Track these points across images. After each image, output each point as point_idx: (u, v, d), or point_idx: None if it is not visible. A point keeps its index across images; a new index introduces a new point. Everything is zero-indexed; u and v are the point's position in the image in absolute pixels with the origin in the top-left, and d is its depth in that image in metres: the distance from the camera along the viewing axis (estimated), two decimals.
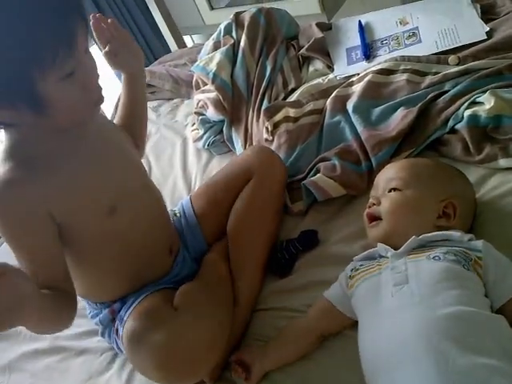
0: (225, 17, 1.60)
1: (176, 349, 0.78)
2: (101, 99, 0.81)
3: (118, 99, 1.72)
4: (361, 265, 0.82)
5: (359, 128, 1.12)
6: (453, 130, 1.04)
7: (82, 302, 1.06)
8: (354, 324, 0.80)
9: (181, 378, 0.82)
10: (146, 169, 1.45)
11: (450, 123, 1.04)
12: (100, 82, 0.80)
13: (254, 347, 0.88)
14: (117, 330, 0.93)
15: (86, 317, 1.09)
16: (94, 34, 0.93)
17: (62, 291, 0.79)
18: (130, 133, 1.04)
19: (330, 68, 1.38)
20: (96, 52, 0.95)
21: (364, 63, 1.32)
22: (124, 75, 1.04)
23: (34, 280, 0.70)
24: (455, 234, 0.77)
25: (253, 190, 1.05)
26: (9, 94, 0.70)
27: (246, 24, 1.48)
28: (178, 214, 1.11)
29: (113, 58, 0.96)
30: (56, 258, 0.81)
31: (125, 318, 0.90)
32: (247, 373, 0.83)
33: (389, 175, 0.89)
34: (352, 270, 0.82)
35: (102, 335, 1.00)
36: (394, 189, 0.86)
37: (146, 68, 1.76)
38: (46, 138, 0.79)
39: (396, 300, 0.70)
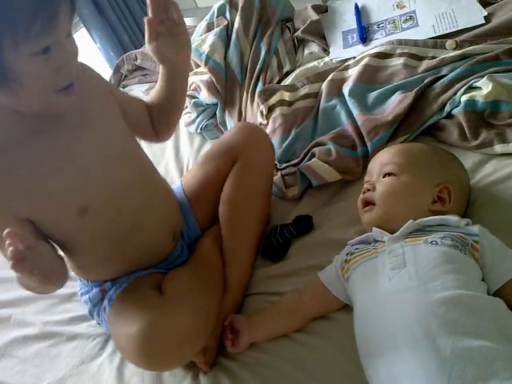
0: None
1: (156, 334, 0.77)
2: (70, 88, 0.74)
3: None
4: (356, 248, 0.82)
5: (355, 112, 1.10)
6: (449, 115, 1.03)
7: (73, 288, 1.05)
8: (347, 308, 0.81)
9: (162, 363, 0.81)
10: None
11: (447, 108, 1.03)
12: (75, 72, 0.74)
13: (245, 317, 0.89)
14: (105, 308, 0.92)
15: (77, 301, 1.08)
16: (147, 31, 0.86)
17: None
18: (158, 116, 1.00)
19: (326, 51, 1.36)
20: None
21: (360, 46, 1.30)
22: (165, 67, 0.95)
23: None
24: (452, 218, 0.77)
25: (240, 172, 1.02)
26: None
27: (240, 5, 1.45)
28: None
29: (157, 54, 0.90)
30: None
31: (113, 297, 0.90)
32: (235, 339, 0.85)
33: (383, 160, 0.88)
34: (348, 254, 0.82)
35: (90, 313, 0.99)
36: (389, 174, 0.85)
37: (138, 50, 1.72)
38: (17, 124, 0.76)
39: (393, 284, 0.70)
